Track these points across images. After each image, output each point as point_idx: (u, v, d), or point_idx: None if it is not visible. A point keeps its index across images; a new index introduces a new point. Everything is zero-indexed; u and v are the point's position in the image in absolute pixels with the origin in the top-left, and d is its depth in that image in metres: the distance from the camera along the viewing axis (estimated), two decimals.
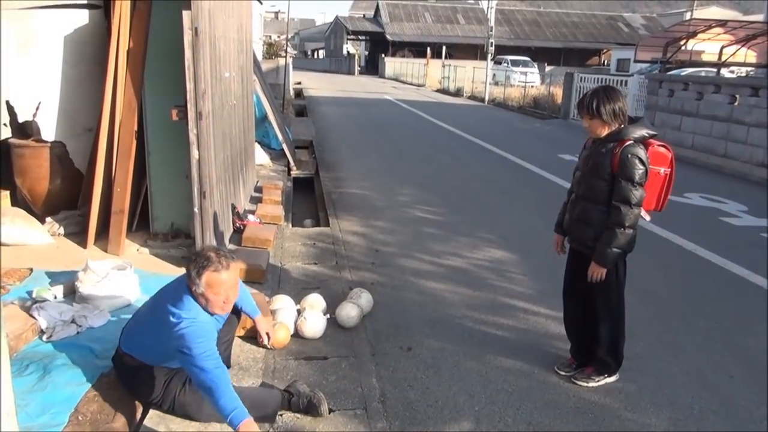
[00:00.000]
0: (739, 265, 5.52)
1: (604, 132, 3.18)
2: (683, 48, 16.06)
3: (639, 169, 3.06)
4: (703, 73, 16.51)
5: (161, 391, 2.82)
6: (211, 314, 2.76)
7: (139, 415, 2.86)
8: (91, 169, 4.85)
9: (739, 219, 7.24)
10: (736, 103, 10.89)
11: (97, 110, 4.81)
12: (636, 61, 21.89)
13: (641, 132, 3.14)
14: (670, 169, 3.19)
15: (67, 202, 5.14)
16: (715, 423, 3.14)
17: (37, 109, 4.97)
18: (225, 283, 2.68)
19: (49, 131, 5.01)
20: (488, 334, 4.04)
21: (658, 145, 3.18)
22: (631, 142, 3.10)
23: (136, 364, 2.84)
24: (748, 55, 17.66)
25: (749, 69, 18.58)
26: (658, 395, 3.38)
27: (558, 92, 19.74)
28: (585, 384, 3.42)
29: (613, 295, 3.33)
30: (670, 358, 3.79)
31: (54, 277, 4.09)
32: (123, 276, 3.88)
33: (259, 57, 16.38)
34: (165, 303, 2.72)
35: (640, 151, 3.08)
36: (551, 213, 6.80)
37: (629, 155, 3.07)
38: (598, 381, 3.43)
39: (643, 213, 3.21)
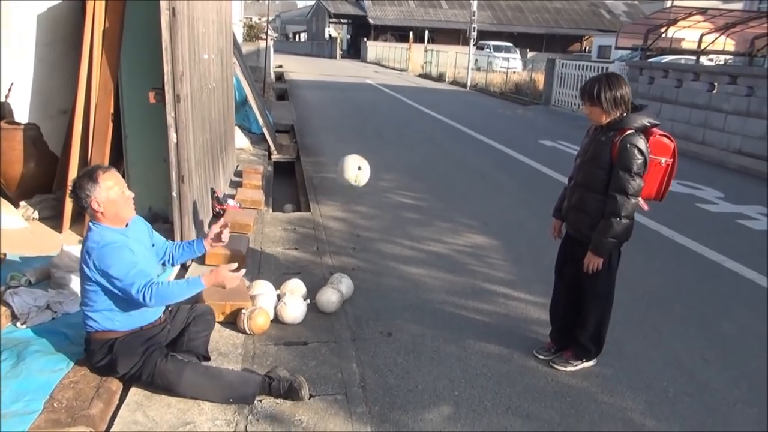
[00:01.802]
0: (715, 251, 5.61)
1: (605, 120, 3.15)
2: (663, 35, 16.17)
3: (637, 160, 3.03)
4: (682, 61, 16.67)
5: (140, 361, 2.82)
6: (124, 227, 2.89)
7: (116, 402, 2.82)
8: (66, 152, 4.76)
9: (716, 205, 7.35)
10: (714, 91, 11.00)
11: (71, 92, 4.71)
12: (617, 48, 22.00)
13: (642, 121, 3.10)
14: (672, 160, 3.15)
15: (42, 185, 5.04)
16: (689, 406, 3.20)
17: (10, 90, 4.84)
18: (119, 179, 2.86)
19: (22, 113, 4.90)
20: (468, 319, 4.06)
21: (660, 135, 3.13)
22: (632, 131, 3.07)
23: (110, 337, 2.84)
24: (727, 43, 17.83)
25: (728, 57, 18.78)
26: (634, 379, 3.42)
27: (540, 78, 19.78)
28: (563, 368, 3.46)
29: (603, 282, 3.34)
30: (647, 343, 3.85)
31: (28, 263, 4.02)
32: None
33: (240, 39, 16.14)
34: (82, 257, 2.81)
35: (640, 141, 3.05)
36: (532, 199, 6.85)
37: (628, 145, 3.04)
38: (576, 365, 3.47)
39: (641, 203, 3.20)
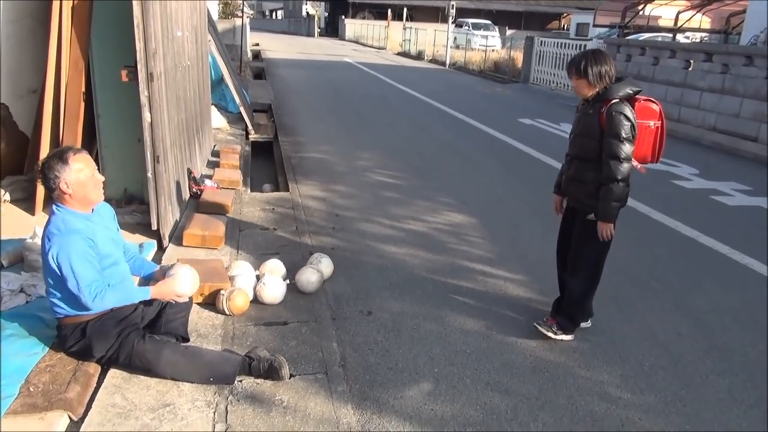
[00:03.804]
0: (689, 226, 5.70)
1: (589, 93, 3.28)
2: (641, 13, 16.23)
3: (625, 125, 3.16)
4: (659, 38, 16.76)
5: (116, 343, 2.79)
6: (90, 212, 2.83)
7: (94, 385, 2.80)
8: (37, 132, 4.64)
9: (691, 182, 7.46)
10: (690, 69, 11.09)
11: (41, 70, 4.58)
12: (595, 26, 22.07)
13: (625, 90, 3.23)
14: (660, 122, 3.30)
15: (13, 167, 4.93)
16: (664, 378, 3.27)
17: None
18: (90, 161, 2.79)
19: None
20: (447, 297, 4.09)
21: (645, 100, 3.28)
22: (617, 100, 3.20)
23: (81, 320, 2.80)
24: (702, 21, 17.97)
25: (703, 35, 18.93)
26: (610, 353, 3.49)
27: (519, 56, 19.78)
28: (545, 332, 3.52)
29: (589, 256, 3.45)
30: (623, 317, 3.91)
31: (0, 246, 3.93)
32: None
33: (215, 16, 15.83)
34: (42, 242, 2.75)
35: (626, 108, 3.18)
36: (510, 177, 6.88)
37: (614, 112, 3.17)
38: (557, 335, 3.53)
39: (638, 165, 3.32)
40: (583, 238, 3.43)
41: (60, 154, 2.72)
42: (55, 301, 2.79)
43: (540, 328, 3.54)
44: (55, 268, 2.67)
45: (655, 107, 3.29)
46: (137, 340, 2.81)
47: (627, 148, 3.18)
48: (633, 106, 3.23)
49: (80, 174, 2.71)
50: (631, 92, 3.24)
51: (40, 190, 4.59)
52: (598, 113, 3.24)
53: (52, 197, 2.78)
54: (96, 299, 2.68)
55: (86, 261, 2.68)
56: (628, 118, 3.16)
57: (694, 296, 4.29)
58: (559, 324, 3.55)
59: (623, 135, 3.16)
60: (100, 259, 2.79)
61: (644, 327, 3.81)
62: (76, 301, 2.74)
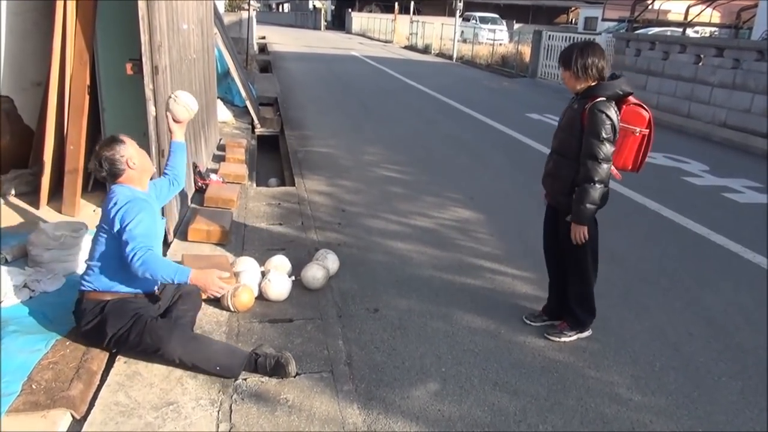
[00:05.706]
0: (699, 224, 5.62)
1: (577, 86, 3.19)
2: (650, 7, 16.06)
3: (606, 125, 3.05)
4: (669, 33, 16.58)
5: (129, 322, 2.81)
6: (146, 190, 3.02)
7: (97, 383, 2.76)
8: (42, 125, 4.61)
9: (701, 179, 7.36)
10: (700, 64, 10.96)
11: (45, 63, 4.54)
12: (603, 20, 21.90)
13: (614, 89, 3.12)
14: (648, 130, 3.16)
15: (17, 160, 4.90)
16: (675, 379, 3.21)
17: None
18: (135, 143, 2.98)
19: None
20: (455, 294, 4.03)
21: (635, 104, 3.16)
22: (602, 99, 3.10)
23: (103, 298, 2.85)
24: (713, 15, 17.78)
25: (714, 29, 18.74)
26: (620, 353, 3.43)
27: (526, 50, 19.63)
28: (557, 339, 3.47)
29: (581, 250, 3.35)
30: (633, 317, 3.85)
31: (4, 240, 3.90)
32: (78, 238, 3.72)
33: (221, 9, 15.77)
34: (106, 210, 2.83)
35: (608, 108, 3.07)
36: (518, 173, 6.81)
37: (596, 111, 3.07)
38: (571, 336, 3.48)
39: (614, 171, 3.21)
40: (568, 240, 3.32)
41: (113, 139, 2.88)
42: (94, 270, 2.86)
43: (551, 337, 3.49)
44: (115, 231, 2.75)
45: (645, 114, 3.14)
46: (150, 318, 2.84)
47: (606, 149, 3.07)
48: (621, 108, 3.12)
49: (138, 154, 2.91)
50: (620, 92, 3.12)
51: (45, 184, 4.56)
52: (581, 109, 3.14)
53: (110, 182, 2.90)
54: (136, 257, 2.70)
55: (145, 226, 2.78)
56: (609, 118, 3.05)
57: (705, 295, 4.23)
58: (569, 325, 3.51)
59: (603, 135, 3.05)
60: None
61: (655, 327, 3.75)
62: (114, 272, 2.84)
